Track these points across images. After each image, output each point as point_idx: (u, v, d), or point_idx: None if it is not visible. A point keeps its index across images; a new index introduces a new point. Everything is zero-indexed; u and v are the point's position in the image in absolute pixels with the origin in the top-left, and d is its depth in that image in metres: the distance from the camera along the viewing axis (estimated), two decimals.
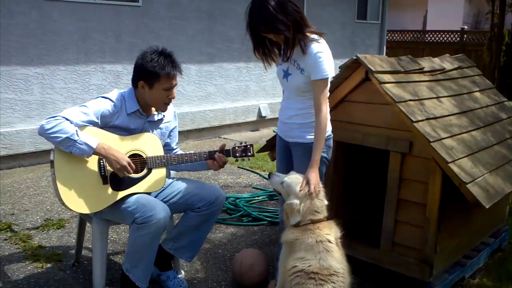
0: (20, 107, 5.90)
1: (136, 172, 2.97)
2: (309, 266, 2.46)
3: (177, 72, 3.02)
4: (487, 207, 2.83)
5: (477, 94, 4.03)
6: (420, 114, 3.10)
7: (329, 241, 2.56)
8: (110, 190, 2.93)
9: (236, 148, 3.21)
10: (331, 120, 3.10)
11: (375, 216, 3.65)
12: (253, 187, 5.50)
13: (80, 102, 6.11)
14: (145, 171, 3.03)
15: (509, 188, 3.21)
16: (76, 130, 2.79)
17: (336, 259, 2.51)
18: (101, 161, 2.92)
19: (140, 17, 6.96)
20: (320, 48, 2.83)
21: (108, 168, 2.92)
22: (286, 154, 3.15)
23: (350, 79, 3.35)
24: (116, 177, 2.93)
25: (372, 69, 3.13)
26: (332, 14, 10.31)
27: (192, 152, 3.19)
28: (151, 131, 3.13)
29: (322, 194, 2.75)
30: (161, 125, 3.21)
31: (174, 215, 3.28)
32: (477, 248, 3.72)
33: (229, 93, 8.43)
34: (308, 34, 2.87)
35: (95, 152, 2.83)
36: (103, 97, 3.02)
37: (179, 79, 3.06)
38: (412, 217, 3.18)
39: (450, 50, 13.30)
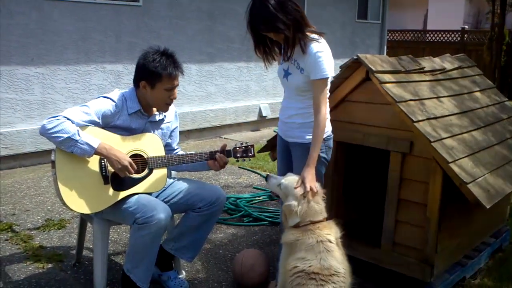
0: (21, 107, 5.90)
1: (137, 172, 2.97)
2: (309, 266, 2.46)
3: (179, 73, 3.02)
4: (487, 207, 2.83)
5: (478, 94, 4.03)
6: (420, 114, 3.10)
7: (330, 241, 2.56)
8: (111, 190, 2.93)
9: (237, 148, 3.21)
10: (331, 120, 3.10)
11: (375, 216, 3.65)
12: (254, 187, 5.50)
13: (81, 102, 6.11)
14: (146, 171, 3.04)
15: (509, 188, 3.20)
16: (78, 130, 2.79)
17: (336, 259, 2.51)
18: (102, 161, 2.92)
19: (140, 16, 6.96)
20: (320, 47, 2.83)
21: (109, 168, 2.92)
22: (287, 154, 3.15)
23: (350, 79, 3.35)
24: (117, 177, 2.93)
25: (373, 69, 3.13)
26: (332, 14, 10.31)
27: (193, 152, 3.19)
28: (152, 131, 3.13)
29: (319, 195, 2.75)
30: (162, 125, 3.21)
31: (175, 215, 3.28)
32: (478, 248, 3.72)
33: (230, 93, 8.43)
34: (308, 33, 2.86)
35: (96, 152, 2.83)
36: (104, 97, 3.02)
37: (180, 79, 3.06)
38: (413, 217, 3.18)
39: (451, 49, 13.30)
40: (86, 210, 2.90)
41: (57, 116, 2.81)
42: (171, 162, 3.11)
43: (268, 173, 2.97)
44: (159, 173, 3.07)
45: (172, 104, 3.13)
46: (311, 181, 2.73)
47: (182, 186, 3.19)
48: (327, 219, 2.71)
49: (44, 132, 2.81)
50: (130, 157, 2.95)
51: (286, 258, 2.61)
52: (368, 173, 3.97)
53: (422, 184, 3.11)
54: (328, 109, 3.00)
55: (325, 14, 10.09)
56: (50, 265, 3.57)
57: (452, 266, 3.41)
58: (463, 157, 3.04)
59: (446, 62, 4.01)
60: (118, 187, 2.95)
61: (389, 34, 17.44)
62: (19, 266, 3.54)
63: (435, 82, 3.64)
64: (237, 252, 3.67)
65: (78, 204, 2.87)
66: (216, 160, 3.14)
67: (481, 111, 3.80)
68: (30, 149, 5.99)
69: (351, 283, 2.61)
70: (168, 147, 3.29)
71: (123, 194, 2.95)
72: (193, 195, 3.14)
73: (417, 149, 3.10)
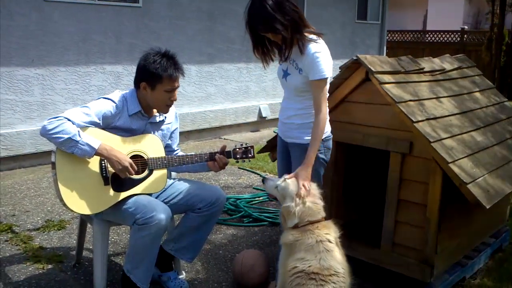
0: (21, 108, 5.91)
1: (137, 173, 2.97)
2: (309, 266, 2.46)
3: (179, 74, 3.02)
4: (487, 207, 2.84)
5: (477, 94, 4.03)
6: (420, 114, 3.11)
7: (329, 241, 2.57)
8: (111, 191, 2.94)
9: (237, 149, 3.21)
10: (331, 120, 3.10)
11: (375, 217, 3.65)
12: (254, 188, 5.50)
13: (81, 103, 6.12)
14: (146, 172, 3.04)
15: (509, 188, 3.21)
16: (78, 131, 2.80)
17: (336, 259, 2.51)
18: (103, 162, 2.92)
19: (140, 17, 6.97)
20: (318, 48, 2.83)
21: (110, 169, 2.92)
22: (287, 154, 3.16)
23: (350, 79, 3.36)
24: (117, 178, 2.93)
25: (372, 69, 3.13)
26: (332, 14, 10.32)
27: (193, 153, 3.20)
28: (152, 132, 3.13)
29: (317, 195, 2.75)
30: (163, 127, 3.22)
31: (175, 216, 3.28)
32: (477, 249, 3.72)
33: (230, 93, 8.43)
34: (306, 34, 2.87)
35: (97, 153, 2.83)
36: (105, 98, 3.02)
37: (180, 80, 3.06)
38: (413, 217, 3.18)
39: (450, 50, 13.30)
40: (86, 211, 2.90)
41: (57, 117, 2.81)
42: (171, 163, 3.11)
43: (265, 175, 2.98)
44: (159, 174, 3.08)
45: (172, 105, 3.13)
46: (305, 180, 2.75)
47: (182, 186, 3.20)
48: (326, 219, 2.71)
49: (44, 133, 2.81)
50: (131, 158, 2.95)
51: (286, 259, 2.61)
52: (368, 173, 3.97)
53: (422, 185, 3.11)
54: (327, 110, 3.01)
55: (325, 15, 10.09)
56: (50, 266, 3.57)
57: (452, 267, 3.41)
58: (462, 158, 3.04)
59: (446, 62, 4.01)
60: (118, 188, 2.95)
61: (389, 35, 17.46)
62: (19, 267, 3.54)
63: (435, 83, 3.64)
64: (237, 253, 3.67)
65: (78, 205, 2.87)
66: (216, 161, 3.15)
67: (481, 112, 3.80)
68: (30, 150, 5.99)
69: (351, 283, 2.62)
70: (168, 148, 3.29)
71: (123, 195, 2.96)
72: (193, 195, 3.15)
73: (416, 150, 3.11)
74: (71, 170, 2.87)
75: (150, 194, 3.05)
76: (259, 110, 8.87)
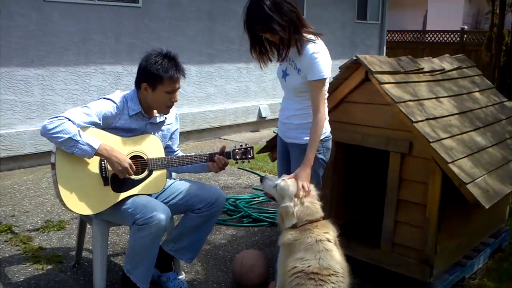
0: (21, 109, 5.90)
1: (137, 173, 2.97)
2: (308, 266, 2.46)
3: (180, 76, 3.02)
4: (487, 207, 2.84)
5: (477, 94, 4.03)
6: (419, 114, 3.11)
7: (328, 240, 2.57)
8: (111, 192, 2.94)
9: (236, 150, 3.22)
10: (330, 121, 3.10)
11: (375, 217, 3.65)
12: (253, 188, 5.50)
13: (81, 103, 6.12)
14: (146, 172, 3.04)
15: (509, 188, 3.21)
16: (79, 131, 2.79)
17: (335, 259, 2.52)
18: (103, 162, 2.92)
19: (140, 18, 6.97)
20: (316, 48, 2.83)
21: (109, 169, 2.92)
22: (286, 154, 3.16)
23: (350, 79, 3.36)
24: (117, 178, 2.93)
25: (372, 69, 3.13)
26: (332, 14, 10.32)
27: (192, 154, 3.20)
28: (152, 133, 3.13)
29: (315, 195, 2.76)
30: (163, 127, 3.22)
31: (174, 216, 3.28)
32: (477, 249, 3.72)
33: (229, 93, 8.43)
34: (305, 34, 2.87)
35: (97, 153, 2.83)
36: (105, 98, 3.02)
37: (180, 81, 3.06)
38: (412, 217, 3.18)
39: (450, 50, 13.29)
40: (85, 211, 2.90)
41: (58, 117, 2.81)
42: (171, 163, 3.11)
43: (263, 175, 2.98)
44: (159, 174, 3.08)
45: (173, 106, 3.14)
46: (304, 180, 2.75)
47: (182, 187, 3.20)
48: (324, 219, 2.71)
49: (45, 132, 2.80)
50: (130, 158, 2.95)
51: (285, 259, 2.61)
52: (367, 173, 3.97)
53: (421, 185, 3.11)
54: (326, 110, 3.01)
55: (325, 15, 10.09)
56: (49, 267, 3.57)
57: (451, 267, 3.41)
58: (462, 158, 3.04)
59: (445, 62, 4.01)
60: (118, 189, 2.95)
61: (389, 35, 17.45)
62: (19, 267, 3.54)
63: (434, 83, 3.64)
64: (236, 253, 3.67)
65: (78, 205, 2.87)
66: (215, 162, 3.15)
67: (481, 112, 3.80)
68: (30, 151, 5.99)
69: (350, 283, 2.62)
70: (168, 149, 3.29)
71: (122, 195, 2.96)
72: (193, 196, 3.15)
73: (416, 150, 3.11)
74: (71, 171, 2.87)
75: (149, 195, 3.05)
76: (259, 110, 8.87)
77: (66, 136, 2.76)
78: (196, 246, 3.26)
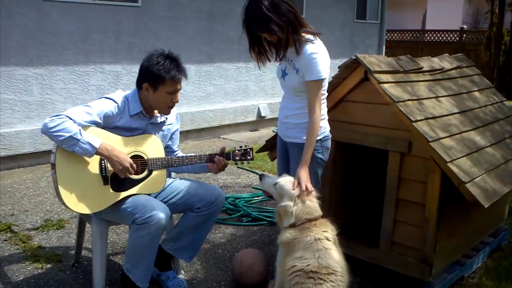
0: (20, 108, 5.90)
1: (136, 173, 2.98)
2: (307, 265, 2.46)
3: (182, 76, 3.03)
4: (486, 206, 2.84)
5: (476, 94, 4.03)
6: (419, 114, 3.11)
7: (327, 239, 2.58)
8: (110, 191, 2.94)
9: (236, 151, 3.22)
10: (330, 120, 3.11)
11: (374, 216, 3.65)
12: (253, 187, 5.50)
13: (80, 102, 6.12)
14: (145, 172, 3.04)
15: (507, 187, 3.21)
16: (80, 130, 2.79)
17: (334, 258, 2.52)
18: (103, 161, 2.92)
19: (139, 17, 6.97)
20: (314, 49, 2.84)
21: (109, 168, 2.92)
22: (286, 153, 3.17)
23: (349, 79, 3.36)
24: (117, 177, 2.93)
25: (371, 69, 3.14)
26: (331, 14, 10.32)
27: (192, 154, 3.20)
28: (153, 133, 3.13)
29: (313, 194, 2.76)
30: (163, 127, 3.22)
31: (173, 215, 3.28)
32: (476, 248, 3.72)
33: (229, 93, 8.44)
34: (303, 34, 2.87)
35: (97, 152, 2.83)
36: (106, 97, 3.02)
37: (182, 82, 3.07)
38: (411, 216, 3.19)
39: (449, 49, 13.29)
40: (85, 210, 2.91)
41: (59, 115, 2.81)
42: (171, 163, 3.11)
43: (262, 173, 2.98)
44: (159, 174, 3.08)
45: (174, 107, 3.14)
46: (306, 181, 2.76)
47: (181, 186, 3.20)
48: (322, 217, 2.72)
49: (46, 130, 2.80)
50: (131, 158, 2.95)
51: (284, 258, 2.62)
52: (367, 173, 3.97)
53: (420, 184, 3.12)
54: (325, 110, 3.02)
55: (324, 15, 10.10)
56: (49, 265, 3.57)
57: (450, 266, 3.41)
58: (461, 157, 3.04)
59: (445, 62, 4.02)
60: (118, 188, 2.96)
61: (388, 34, 17.45)
62: (18, 266, 3.54)
63: (434, 82, 3.65)
64: (236, 252, 3.67)
65: (78, 204, 2.88)
66: (215, 162, 3.15)
67: (480, 111, 3.81)
68: (29, 150, 5.99)
69: (349, 282, 2.62)
70: (168, 149, 3.29)
71: (122, 194, 2.96)
72: (192, 195, 3.15)
73: (415, 149, 3.11)
74: (71, 170, 2.87)
75: (149, 195, 3.05)
76: (258, 109, 8.87)
77: (67, 134, 2.76)
78: (195, 245, 3.27)
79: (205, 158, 3.16)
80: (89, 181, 2.91)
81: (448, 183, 2.94)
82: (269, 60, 3.06)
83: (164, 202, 3.06)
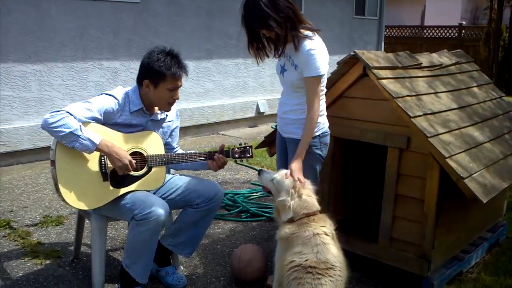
0: (18, 104, 5.90)
1: (136, 170, 2.98)
2: (306, 260, 2.47)
3: (183, 73, 3.02)
4: (484, 202, 2.85)
5: (475, 90, 4.03)
6: (417, 109, 3.11)
7: (326, 234, 2.58)
8: (110, 187, 2.94)
9: (236, 149, 3.23)
10: (328, 116, 3.11)
11: (373, 212, 3.66)
12: (252, 183, 5.51)
13: (78, 99, 6.11)
14: (145, 169, 3.04)
15: (506, 183, 3.22)
16: (80, 126, 2.79)
17: (332, 253, 2.52)
18: (102, 158, 2.92)
19: (138, 13, 6.95)
20: (312, 45, 2.84)
21: (109, 165, 2.92)
22: (285, 149, 3.17)
23: (348, 75, 3.36)
24: (116, 174, 2.93)
25: (370, 65, 3.14)
26: (330, 10, 10.31)
27: (192, 151, 3.20)
28: (153, 130, 3.13)
29: (311, 189, 2.77)
30: (163, 124, 3.22)
31: (172, 211, 3.29)
32: (475, 243, 3.73)
33: (227, 89, 8.43)
34: (302, 30, 2.87)
35: (97, 148, 2.83)
36: (107, 94, 3.02)
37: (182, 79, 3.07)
38: (410, 212, 3.19)
39: (448, 45, 13.27)
40: (84, 206, 2.91)
41: (59, 111, 2.80)
42: (170, 160, 3.11)
43: (261, 168, 2.99)
44: (158, 171, 3.08)
45: (174, 103, 3.14)
46: (298, 173, 2.77)
47: (180, 182, 3.20)
48: (321, 212, 2.72)
49: (46, 126, 2.79)
50: (130, 154, 2.95)
51: (283, 253, 2.62)
52: (365, 168, 3.97)
53: (419, 180, 3.12)
54: (324, 106, 3.02)
55: (323, 11, 10.09)
56: (48, 261, 3.57)
57: (449, 261, 3.42)
58: (459, 152, 3.05)
59: (444, 57, 4.02)
60: (117, 184, 2.96)
61: (387, 30, 17.43)
62: (17, 262, 3.54)
63: (432, 78, 3.65)
64: (235, 248, 3.67)
65: (77, 200, 2.88)
66: (214, 160, 3.15)
67: (478, 107, 3.81)
68: (28, 146, 5.98)
69: (348, 277, 2.62)
70: (167, 146, 3.29)
71: (121, 191, 2.96)
72: (191, 191, 3.15)
73: (414, 145, 3.11)
74: (70, 166, 2.87)
75: (148, 191, 3.06)
76: (257, 105, 8.87)
77: (67, 130, 2.76)
78: (194, 241, 3.27)
79: (205, 156, 3.16)
80: (89, 177, 2.91)
81: (447, 178, 2.95)
82: (268, 56, 3.06)
83: (163, 198, 3.06)
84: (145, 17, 7.03)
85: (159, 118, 3.17)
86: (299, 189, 2.68)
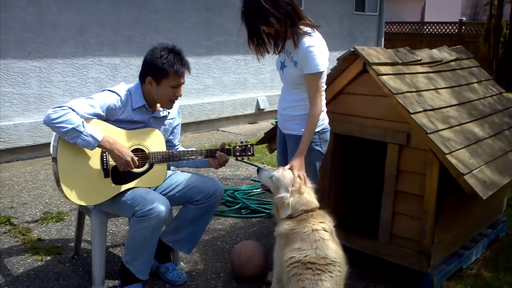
0: (18, 101, 5.89)
1: (137, 167, 2.98)
2: (305, 256, 2.47)
3: (185, 70, 3.03)
4: (484, 198, 2.85)
5: (475, 86, 4.03)
6: (417, 105, 3.11)
7: (325, 230, 2.58)
8: (111, 184, 2.94)
9: (237, 147, 3.24)
10: (328, 112, 3.11)
11: (373, 208, 3.66)
12: (252, 180, 5.51)
13: (78, 95, 6.11)
14: (146, 166, 3.04)
15: (506, 179, 3.22)
16: (83, 122, 2.79)
17: (332, 248, 2.52)
18: (104, 154, 2.93)
19: (138, 9, 6.94)
20: (312, 42, 2.83)
21: (111, 162, 2.92)
22: (285, 145, 3.17)
23: (347, 71, 3.35)
24: (118, 170, 2.94)
25: (370, 61, 3.13)
26: (330, 6, 10.29)
27: (193, 149, 3.21)
28: (155, 127, 3.13)
29: (310, 186, 2.77)
30: (165, 122, 3.23)
31: (173, 207, 3.29)
32: (474, 239, 3.74)
33: (227, 85, 8.42)
34: (302, 27, 2.87)
35: (100, 145, 2.83)
36: (109, 90, 3.01)
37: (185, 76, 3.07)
38: (410, 208, 3.20)
39: (448, 41, 13.28)
40: (85, 202, 2.92)
41: (62, 107, 2.80)
42: (172, 158, 3.12)
43: (259, 166, 2.99)
44: (159, 168, 3.08)
45: (176, 101, 3.14)
46: (299, 170, 2.77)
47: (180, 178, 3.20)
48: (320, 209, 2.72)
49: (48, 121, 2.78)
50: (132, 151, 2.95)
51: (282, 249, 2.62)
52: (365, 165, 3.98)
53: (419, 176, 3.12)
54: (324, 102, 3.02)
55: (324, 7, 10.07)
56: (48, 258, 3.58)
57: (449, 257, 3.42)
58: (459, 149, 3.05)
59: (444, 53, 4.01)
60: (118, 181, 2.96)
61: (387, 26, 17.40)
62: (18, 258, 3.55)
63: (433, 74, 3.64)
64: (235, 244, 3.68)
65: (78, 196, 2.88)
66: (216, 158, 3.16)
67: (478, 103, 3.81)
68: (28, 143, 5.98)
69: (347, 272, 2.63)
70: (169, 143, 3.29)
71: (123, 187, 2.96)
72: (191, 187, 3.15)
73: (414, 141, 3.11)
74: (72, 162, 2.88)
75: (149, 188, 3.06)
76: (257, 102, 8.87)
77: (70, 126, 2.75)
78: (194, 237, 3.28)
79: (206, 153, 3.17)
80: (90, 173, 2.91)
81: (447, 175, 2.95)
82: (268, 52, 3.06)
83: (164, 195, 3.07)
84: (145, 13, 7.02)
85: (161, 115, 3.17)
86: (299, 186, 2.69)
